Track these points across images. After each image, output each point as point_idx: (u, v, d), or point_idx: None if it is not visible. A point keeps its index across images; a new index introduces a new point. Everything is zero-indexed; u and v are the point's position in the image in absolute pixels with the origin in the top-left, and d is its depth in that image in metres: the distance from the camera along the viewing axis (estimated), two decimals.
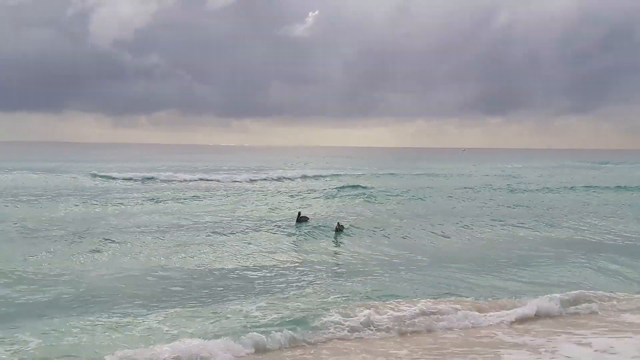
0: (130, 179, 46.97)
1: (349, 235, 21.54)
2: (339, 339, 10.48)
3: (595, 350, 10.00)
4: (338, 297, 12.84)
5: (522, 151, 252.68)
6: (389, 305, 12.08)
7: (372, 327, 10.97)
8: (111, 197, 32.50)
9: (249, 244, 19.30)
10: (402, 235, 21.89)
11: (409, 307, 11.97)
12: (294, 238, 20.69)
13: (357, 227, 23.01)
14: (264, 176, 53.80)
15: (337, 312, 11.37)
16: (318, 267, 16.35)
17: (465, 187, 43.34)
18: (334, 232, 21.86)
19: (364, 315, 11.21)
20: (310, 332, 10.52)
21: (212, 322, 10.89)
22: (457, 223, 24.65)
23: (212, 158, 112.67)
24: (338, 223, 22.88)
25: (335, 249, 19.33)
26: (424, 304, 12.10)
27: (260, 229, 22.36)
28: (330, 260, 17.45)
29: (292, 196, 35.47)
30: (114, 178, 46.98)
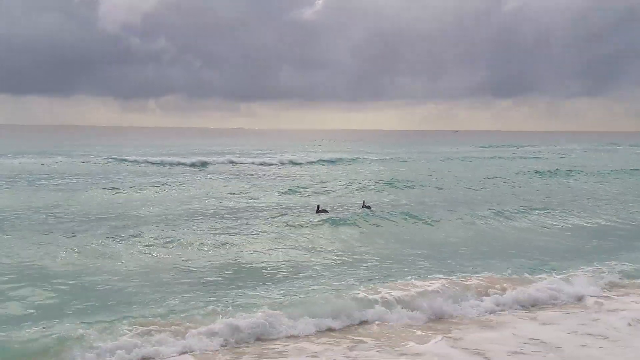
0: (179, 164, 48.99)
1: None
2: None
3: None
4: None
5: (532, 134, 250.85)
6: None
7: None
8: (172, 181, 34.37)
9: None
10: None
11: None
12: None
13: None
14: (291, 158, 56.28)
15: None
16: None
17: (527, 172, 43.61)
18: (360, 210, 22.46)
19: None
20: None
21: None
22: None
23: (231, 142, 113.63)
24: (364, 202, 23.41)
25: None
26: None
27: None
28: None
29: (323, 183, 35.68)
30: (166, 163, 48.97)
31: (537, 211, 23.88)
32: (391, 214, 21.86)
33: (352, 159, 58.61)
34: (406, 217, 21.44)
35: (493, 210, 23.21)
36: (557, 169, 45.75)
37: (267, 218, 21.73)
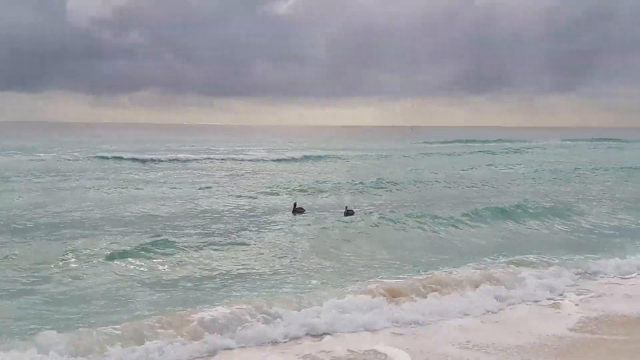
0: (157, 160, 48.65)
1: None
2: None
3: None
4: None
5: (506, 130, 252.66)
6: None
7: None
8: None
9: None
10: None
11: None
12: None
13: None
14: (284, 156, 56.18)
15: None
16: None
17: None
18: (344, 216, 21.66)
19: None
20: None
21: None
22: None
23: (207, 138, 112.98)
24: (346, 207, 22.80)
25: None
26: None
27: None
28: None
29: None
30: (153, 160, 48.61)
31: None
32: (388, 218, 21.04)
33: (330, 156, 58.44)
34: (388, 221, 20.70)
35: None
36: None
37: (242, 218, 21.57)
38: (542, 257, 16.21)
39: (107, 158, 48.49)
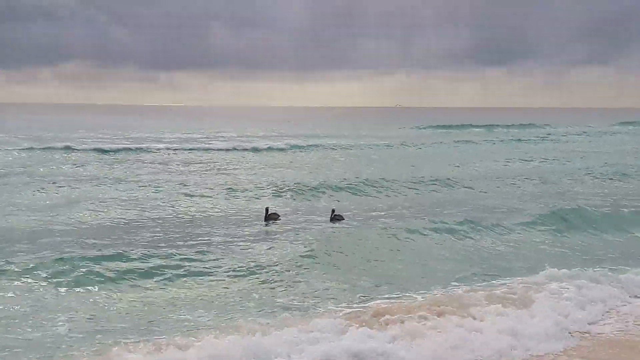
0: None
1: None
2: None
3: None
4: None
5: (529, 112, 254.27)
6: None
7: None
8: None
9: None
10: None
11: None
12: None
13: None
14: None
15: None
16: None
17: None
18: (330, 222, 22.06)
19: None
20: None
21: None
22: None
23: (152, 122, 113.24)
24: (333, 210, 22.96)
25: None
26: None
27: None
28: None
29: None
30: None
31: None
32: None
33: (312, 145, 57.99)
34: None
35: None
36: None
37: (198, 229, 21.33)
38: None
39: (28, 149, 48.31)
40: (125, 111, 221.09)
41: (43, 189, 29.18)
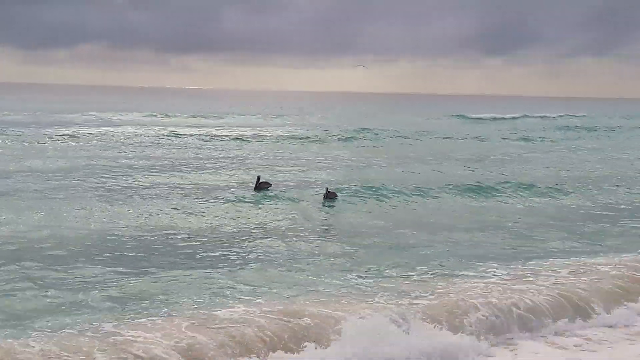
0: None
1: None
2: None
3: None
4: None
5: (530, 100, 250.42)
6: None
7: None
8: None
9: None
10: None
11: None
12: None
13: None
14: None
15: None
16: None
17: None
18: (322, 201, 21.63)
19: None
20: None
21: None
22: None
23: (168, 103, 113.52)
24: (327, 189, 22.30)
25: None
26: None
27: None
28: None
29: None
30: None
31: None
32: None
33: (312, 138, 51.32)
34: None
35: None
36: None
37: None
38: None
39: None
40: (139, 92, 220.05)
41: None
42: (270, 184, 23.39)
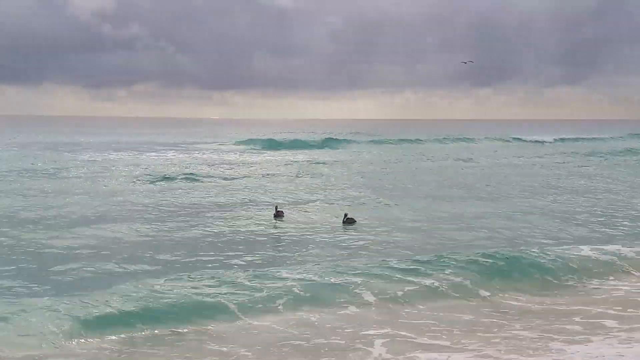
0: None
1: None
2: None
3: None
4: None
5: (511, 122, 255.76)
6: None
7: None
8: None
9: None
10: None
11: None
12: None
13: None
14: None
15: None
16: None
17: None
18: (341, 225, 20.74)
19: None
20: None
21: None
22: None
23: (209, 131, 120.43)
24: (345, 214, 21.33)
25: None
26: None
27: None
28: None
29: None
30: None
31: None
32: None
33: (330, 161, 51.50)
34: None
35: None
36: None
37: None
38: None
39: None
40: (187, 123, 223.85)
41: None
42: (283, 214, 21.91)
